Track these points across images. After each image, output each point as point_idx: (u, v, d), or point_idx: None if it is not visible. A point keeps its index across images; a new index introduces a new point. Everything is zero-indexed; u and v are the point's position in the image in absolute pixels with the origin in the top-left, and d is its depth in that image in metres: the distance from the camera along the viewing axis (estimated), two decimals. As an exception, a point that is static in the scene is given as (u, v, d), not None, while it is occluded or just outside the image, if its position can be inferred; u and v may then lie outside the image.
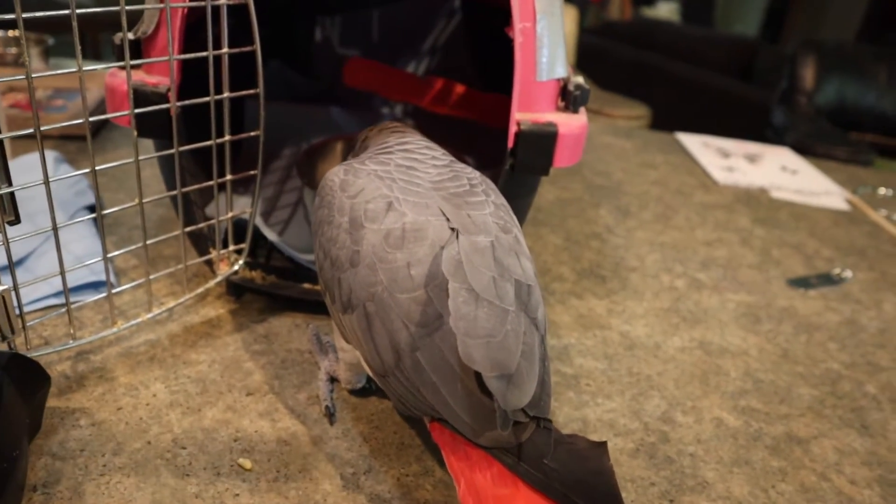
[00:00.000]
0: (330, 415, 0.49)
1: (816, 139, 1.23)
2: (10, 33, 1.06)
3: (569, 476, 0.34)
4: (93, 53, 1.90)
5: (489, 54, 0.86)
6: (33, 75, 0.43)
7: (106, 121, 0.85)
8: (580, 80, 0.59)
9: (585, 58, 2.11)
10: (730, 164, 1.06)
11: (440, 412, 0.37)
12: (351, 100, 0.93)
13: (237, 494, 0.43)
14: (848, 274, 0.79)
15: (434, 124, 0.84)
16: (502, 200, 0.47)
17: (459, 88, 0.73)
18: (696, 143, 1.13)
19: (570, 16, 1.82)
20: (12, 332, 0.47)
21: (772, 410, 0.57)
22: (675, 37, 2.58)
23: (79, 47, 0.44)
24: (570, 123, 0.54)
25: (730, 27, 5.05)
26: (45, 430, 0.45)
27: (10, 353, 0.43)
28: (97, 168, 0.47)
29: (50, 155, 0.77)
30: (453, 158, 0.50)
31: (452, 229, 0.41)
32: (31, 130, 0.43)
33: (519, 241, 0.43)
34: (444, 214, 0.42)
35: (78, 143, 0.87)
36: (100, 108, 0.94)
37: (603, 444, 0.36)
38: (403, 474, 0.46)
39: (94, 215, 0.49)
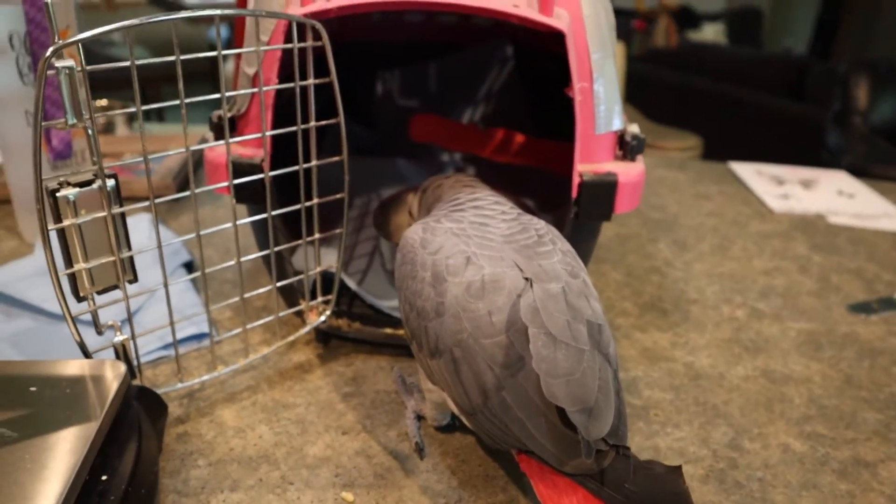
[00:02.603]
0: (420, 450, 0.54)
1: (873, 160, 1.24)
2: (98, 103, 1.16)
3: (648, 498, 0.38)
4: (157, 114, 2.00)
5: (542, 99, 0.90)
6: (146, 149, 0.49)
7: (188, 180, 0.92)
8: (636, 128, 0.63)
9: (633, 86, 2.14)
10: (784, 192, 1.08)
11: (527, 445, 0.42)
12: (414, 150, 0.99)
13: (343, 525, 0.48)
14: (910, 297, 0.80)
15: (493, 170, 0.89)
16: (568, 247, 0.51)
17: (519, 138, 0.78)
18: (749, 172, 1.15)
19: (619, 50, 1.87)
20: (133, 376, 0.53)
21: (837, 435, 0.59)
22: (722, 59, 2.59)
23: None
24: (629, 172, 0.59)
25: (778, 44, 5.01)
26: (169, 471, 0.51)
27: (138, 385, 0.49)
28: (201, 233, 0.53)
29: (145, 217, 0.85)
30: (521, 211, 0.55)
31: (526, 279, 0.45)
32: (146, 203, 0.49)
33: (587, 284, 0.48)
34: (517, 266, 0.46)
35: (167, 203, 0.95)
36: (183, 168, 1.02)
37: (678, 468, 0.39)
38: (491, 503, 0.50)
39: (195, 274, 0.55)
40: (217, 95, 0.52)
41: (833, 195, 1.08)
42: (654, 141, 1.57)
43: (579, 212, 0.58)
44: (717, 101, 2.01)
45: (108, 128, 1.10)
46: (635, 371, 0.66)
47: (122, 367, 0.47)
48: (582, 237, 0.62)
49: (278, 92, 0.58)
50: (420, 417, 0.57)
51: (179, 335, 0.64)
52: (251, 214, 0.63)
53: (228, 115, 0.61)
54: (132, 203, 0.50)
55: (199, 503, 0.49)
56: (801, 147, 1.42)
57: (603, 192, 0.58)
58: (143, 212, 0.87)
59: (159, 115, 1.97)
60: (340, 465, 0.53)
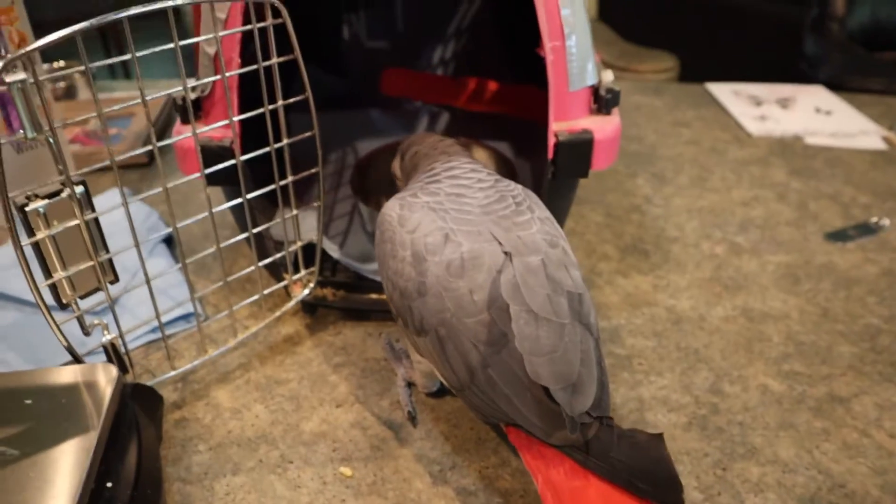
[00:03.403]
0: (412, 418, 0.55)
1: (850, 71, 1.22)
2: (55, 65, 1.11)
3: (633, 465, 0.40)
4: (123, 69, 1.88)
5: (513, 38, 0.88)
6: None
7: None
8: (610, 77, 0.62)
9: (606, 4, 2.07)
10: (762, 113, 1.07)
11: (515, 419, 0.43)
12: (387, 99, 0.96)
13: (344, 500, 0.50)
14: (886, 222, 0.81)
15: (468, 118, 0.88)
16: (546, 214, 0.51)
17: (492, 86, 0.77)
18: (726, 93, 1.14)
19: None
20: (125, 371, 0.54)
21: (814, 372, 0.61)
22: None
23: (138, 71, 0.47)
24: (605, 128, 0.58)
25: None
26: (171, 458, 0.53)
27: (132, 383, 0.50)
28: (179, 226, 0.53)
29: (116, 192, 0.84)
30: (498, 177, 0.55)
31: (506, 253, 0.46)
32: (106, 162, 0.48)
33: (566, 252, 0.48)
34: (496, 239, 0.47)
35: (139, 171, 0.93)
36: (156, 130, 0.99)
37: (660, 436, 0.41)
38: (484, 467, 0.52)
39: (177, 266, 0.55)
40: (171, 46, 0.48)
41: (811, 114, 1.07)
42: (630, 64, 1.54)
43: (556, 171, 0.58)
44: (693, 9, 1.96)
45: (70, 92, 1.06)
46: (618, 319, 0.67)
47: (114, 371, 0.48)
48: (560, 194, 0.62)
49: (250, 79, 0.57)
50: (410, 385, 0.58)
51: (167, 318, 0.64)
52: (226, 193, 0.63)
53: (193, 96, 0.59)
54: (101, 173, 0.49)
55: (204, 489, 0.50)
56: (780, 59, 1.39)
57: (579, 151, 0.57)
58: (115, 186, 0.86)
59: (125, 72, 1.89)
60: (337, 440, 0.54)
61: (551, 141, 0.57)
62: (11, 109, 0.75)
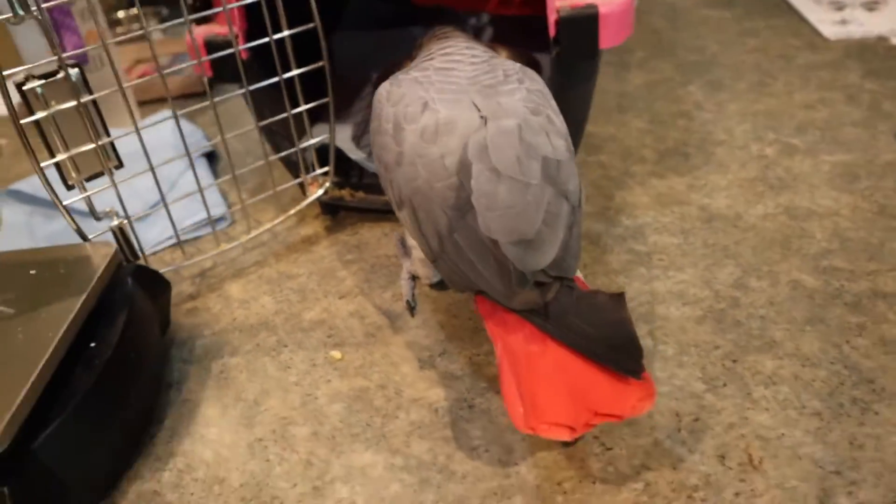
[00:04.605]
0: (411, 308, 0.54)
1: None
2: (131, 12, 1.17)
3: (590, 328, 0.38)
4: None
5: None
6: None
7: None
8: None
9: None
10: (843, 17, 0.97)
11: (479, 284, 0.41)
12: (433, 16, 0.95)
13: (329, 380, 0.50)
14: (973, 117, 0.72)
15: (510, 25, 0.84)
16: (538, 86, 0.48)
17: (520, -13, 0.73)
18: (806, 1, 1.04)
19: None
20: (135, 257, 0.56)
21: (857, 268, 0.55)
22: None
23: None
24: (612, 1, 0.54)
25: None
26: (177, 342, 0.55)
27: (135, 264, 0.52)
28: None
29: (169, 113, 0.87)
30: (494, 54, 0.52)
31: (483, 117, 0.44)
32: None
33: (551, 121, 0.45)
34: (475, 106, 0.45)
35: (197, 99, 0.97)
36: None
37: (621, 295, 0.38)
38: (475, 354, 0.51)
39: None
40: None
41: (903, 14, 0.96)
42: None
43: (561, 51, 0.55)
44: None
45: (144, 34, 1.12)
46: (644, 217, 0.63)
47: (113, 247, 0.50)
48: (573, 80, 0.59)
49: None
50: (415, 277, 0.58)
51: (192, 219, 0.67)
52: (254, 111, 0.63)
53: (200, -8, 0.61)
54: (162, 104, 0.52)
55: (202, 368, 0.52)
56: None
57: (583, 27, 0.54)
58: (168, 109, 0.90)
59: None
60: (334, 327, 0.55)
61: (552, 18, 0.54)
62: (63, 31, 0.79)
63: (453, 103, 0.45)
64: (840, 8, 1.00)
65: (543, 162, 0.42)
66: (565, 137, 0.46)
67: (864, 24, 0.94)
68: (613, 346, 0.38)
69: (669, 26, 1.02)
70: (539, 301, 0.39)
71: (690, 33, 0.99)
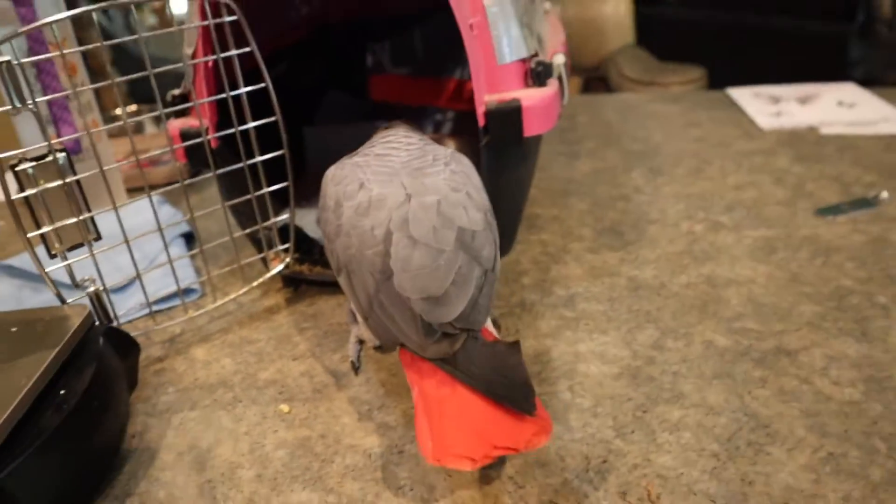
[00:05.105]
0: (355, 368, 0.60)
1: (890, 68, 1.18)
2: (129, 109, 1.28)
3: (491, 373, 0.43)
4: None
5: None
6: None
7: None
8: (560, 59, 0.66)
9: (642, 28, 2.08)
10: (779, 110, 1.06)
11: (400, 338, 0.47)
12: (401, 113, 1.04)
13: (276, 431, 0.54)
14: (885, 195, 0.79)
15: (467, 119, 0.93)
16: (462, 168, 0.55)
17: (468, 84, 0.82)
18: (746, 95, 1.13)
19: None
20: (109, 321, 0.62)
21: (766, 329, 0.60)
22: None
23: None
24: (534, 96, 0.62)
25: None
26: (143, 398, 0.60)
27: (107, 325, 0.58)
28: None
29: (155, 200, 0.95)
30: (430, 142, 0.60)
31: (408, 195, 0.50)
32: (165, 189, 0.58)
33: (470, 197, 0.52)
34: (403, 185, 0.51)
35: (178, 188, 1.05)
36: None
37: (516, 343, 0.44)
38: (409, 407, 0.56)
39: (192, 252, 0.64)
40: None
41: (832, 107, 1.05)
42: (655, 79, 1.55)
43: (489, 139, 0.62)
44: (724, 28, 1.95)
45: (139, 128, 1.22)
46: (576, 288, 0.69)
47: (87, 309, 0.56)
48: (505, 164, 0.66)
49: (218, 72, 0.65)
50: (361, 341, 0.63)
51: (164, 291, 0.73)
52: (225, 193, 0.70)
53: (178, 92, 0.69)
54: (153, 190, 0.63)
55: (163, 421, 0.57)
56: (815, 69, 1.35)
57: (508, 118, 0.61)
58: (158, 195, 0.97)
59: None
60: (285, 385, 0.60)
61: (480, 110, 0.62)
62: (60, 124, 0.88)
63: (385, 183, 0.52)
64: (776, 101, 1.09)
65: (459, 232, 0.49)
66: (485, 211, 0.52)
67: (796, 116, 1.03)
68: (510, 387, 0.43)
69: (620, 119, 1.11)
70: (449, 351, 0.44)
71: (638, 125, 1.08)
